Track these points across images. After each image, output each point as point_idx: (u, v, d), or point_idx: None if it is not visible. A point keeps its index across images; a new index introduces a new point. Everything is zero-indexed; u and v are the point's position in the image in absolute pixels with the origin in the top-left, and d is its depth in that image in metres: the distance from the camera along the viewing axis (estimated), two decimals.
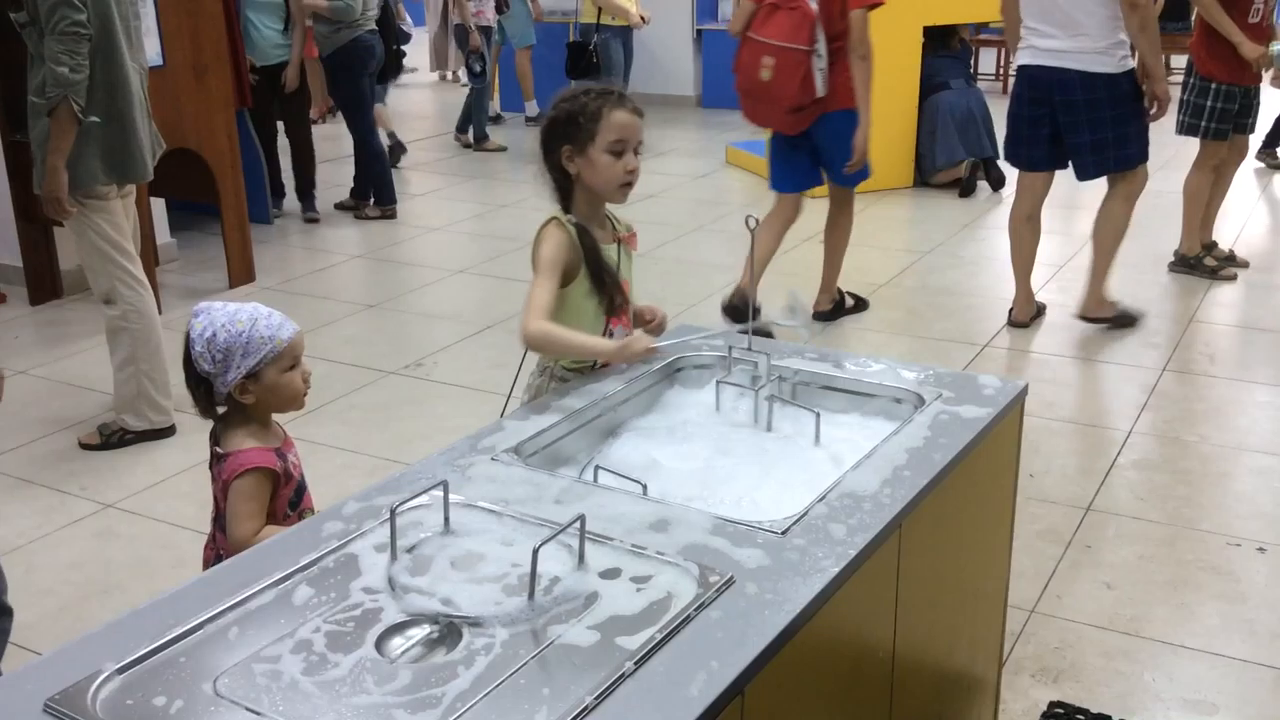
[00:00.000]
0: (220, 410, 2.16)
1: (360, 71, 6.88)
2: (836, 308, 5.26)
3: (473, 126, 9.24)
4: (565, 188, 2.36)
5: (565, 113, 2.30)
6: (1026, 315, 5.07)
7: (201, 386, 2.11)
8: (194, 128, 5.32)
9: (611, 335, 2.33)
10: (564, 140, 2.31)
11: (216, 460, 2.15)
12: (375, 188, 7.18)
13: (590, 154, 2.28)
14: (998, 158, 7.33)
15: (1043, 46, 4.67)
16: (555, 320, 2.26)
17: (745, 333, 2.32)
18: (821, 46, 4.56)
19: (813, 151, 4.89)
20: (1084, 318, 5.06)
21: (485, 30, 9.12)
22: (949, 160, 7.49)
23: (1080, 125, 4.69)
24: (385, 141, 7.80)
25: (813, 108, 4.66)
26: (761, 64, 4.62)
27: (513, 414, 2.14)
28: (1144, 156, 4.80)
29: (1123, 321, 5.01)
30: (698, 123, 10.30)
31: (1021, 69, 4.82)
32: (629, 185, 2.32)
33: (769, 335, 2.75)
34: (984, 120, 7.58)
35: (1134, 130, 4.72)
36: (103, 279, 3.88)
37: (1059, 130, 4.76)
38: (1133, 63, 4.69)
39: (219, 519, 2.15)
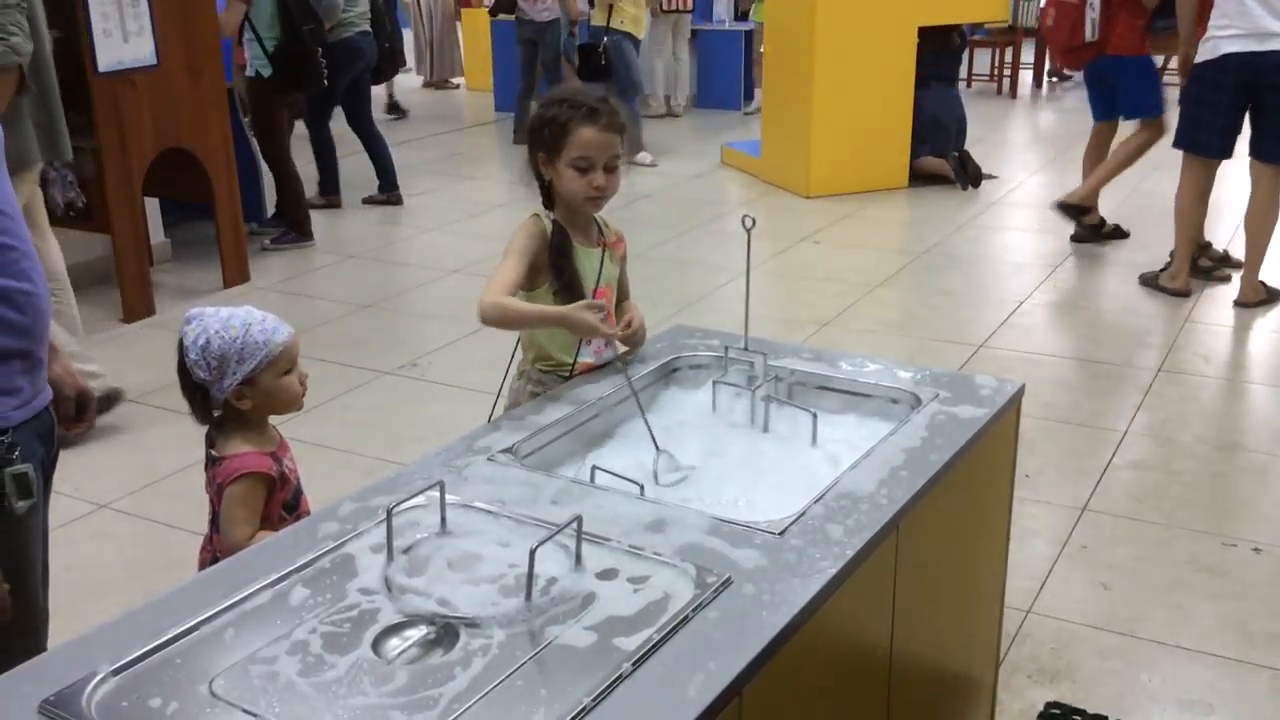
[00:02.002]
0: (216, 415, 2.15)
1: (336, 74, 6.59)
2: (1094, 230, 6.19)
3: (517, 113, 9.13)
4: (547, 187, 2.38)
5: (540, 120, 2.32)
6: (1186, 284, 5.44)
7: (198, 393, 2.09)
8: (188, 127, 5.29)
9: (587, 340, 2.33)
10: (539, 147, 2.33)
11: (212, 463, 2.14)
12: (321, 177, 7.14)
13: (558, 166, 2.30)
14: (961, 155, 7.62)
15: (1254, 31, 4.87)
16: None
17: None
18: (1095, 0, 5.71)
19: (1111, 91, 6.01)
20: (1242, 303, 5.26)
21: (551, 26, 8.97)
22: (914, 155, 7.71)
23: None
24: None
25: (1084, 50, 5.87)
26: (1048, 14, 6.03)
27: (509, 414, 2.14)
28: None
29: (1276, 297, 5.31)
30: (692, 123, 10.30)
31: (1227, 56, 4.96)
32: (596, 199, 2.31)
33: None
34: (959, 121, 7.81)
35: None
36: None
37: (1252, 113, 5.04)
38: None
39: (215, 520, 2.14)
